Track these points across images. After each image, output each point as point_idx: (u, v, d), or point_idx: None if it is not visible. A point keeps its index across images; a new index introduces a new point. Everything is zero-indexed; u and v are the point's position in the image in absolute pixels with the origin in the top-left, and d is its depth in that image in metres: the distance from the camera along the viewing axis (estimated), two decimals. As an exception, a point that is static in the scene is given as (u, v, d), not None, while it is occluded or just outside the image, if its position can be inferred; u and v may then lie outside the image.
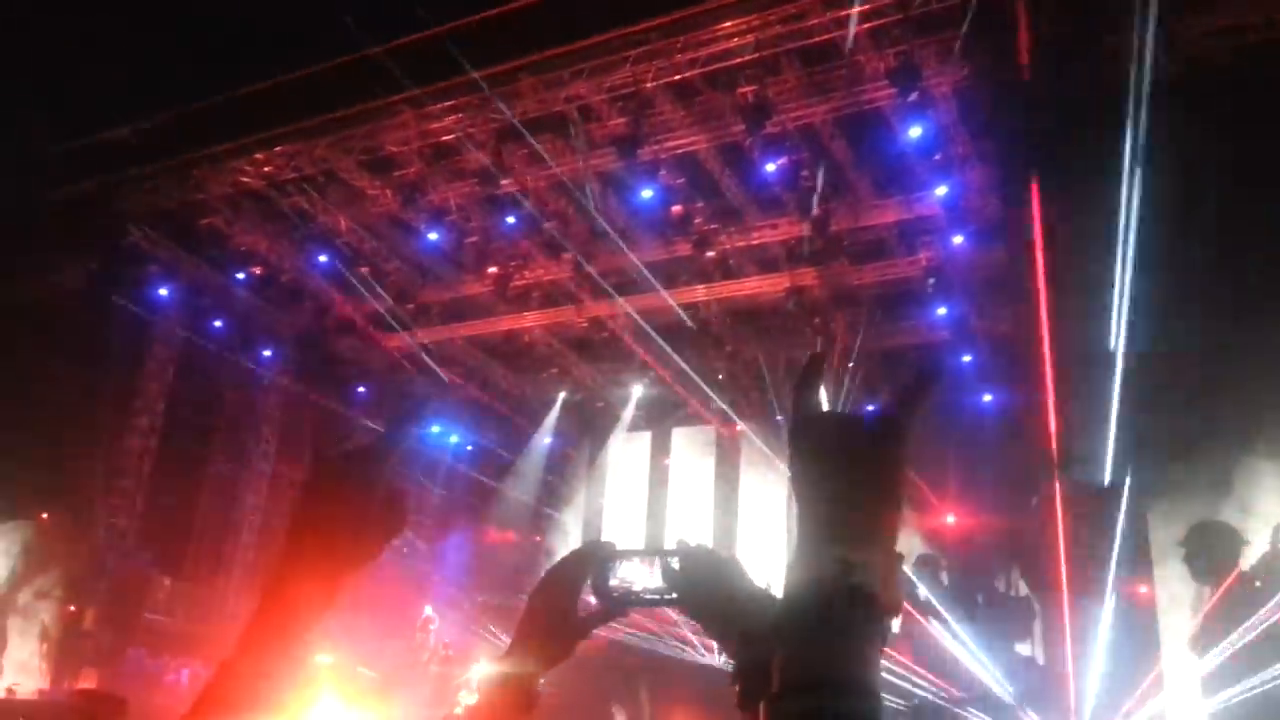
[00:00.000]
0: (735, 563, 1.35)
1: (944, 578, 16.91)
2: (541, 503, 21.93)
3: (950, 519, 17.17)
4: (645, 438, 21.16)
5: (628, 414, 20.29)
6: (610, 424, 20.60)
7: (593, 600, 1.35)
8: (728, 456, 20.63)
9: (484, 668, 16.20)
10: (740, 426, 19.99)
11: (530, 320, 18.13)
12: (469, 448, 22.58)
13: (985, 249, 15.61)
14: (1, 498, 19.17)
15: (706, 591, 1.32)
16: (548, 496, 21.94)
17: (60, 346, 17.68)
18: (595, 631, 1.38)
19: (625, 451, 21.16)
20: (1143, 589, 13.92)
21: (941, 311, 16.57)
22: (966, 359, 16.82)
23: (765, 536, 19.97)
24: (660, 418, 20.65)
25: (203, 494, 19.91)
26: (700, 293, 17.01)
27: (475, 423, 22.07)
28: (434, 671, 16.65)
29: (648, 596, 1.35)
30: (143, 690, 16.02)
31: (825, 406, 0.97)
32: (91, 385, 18.19)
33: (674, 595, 1.29)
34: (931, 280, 15.96)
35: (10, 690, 16.30)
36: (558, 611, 1.35)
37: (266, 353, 19.82)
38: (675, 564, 1.30)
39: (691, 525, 20.52)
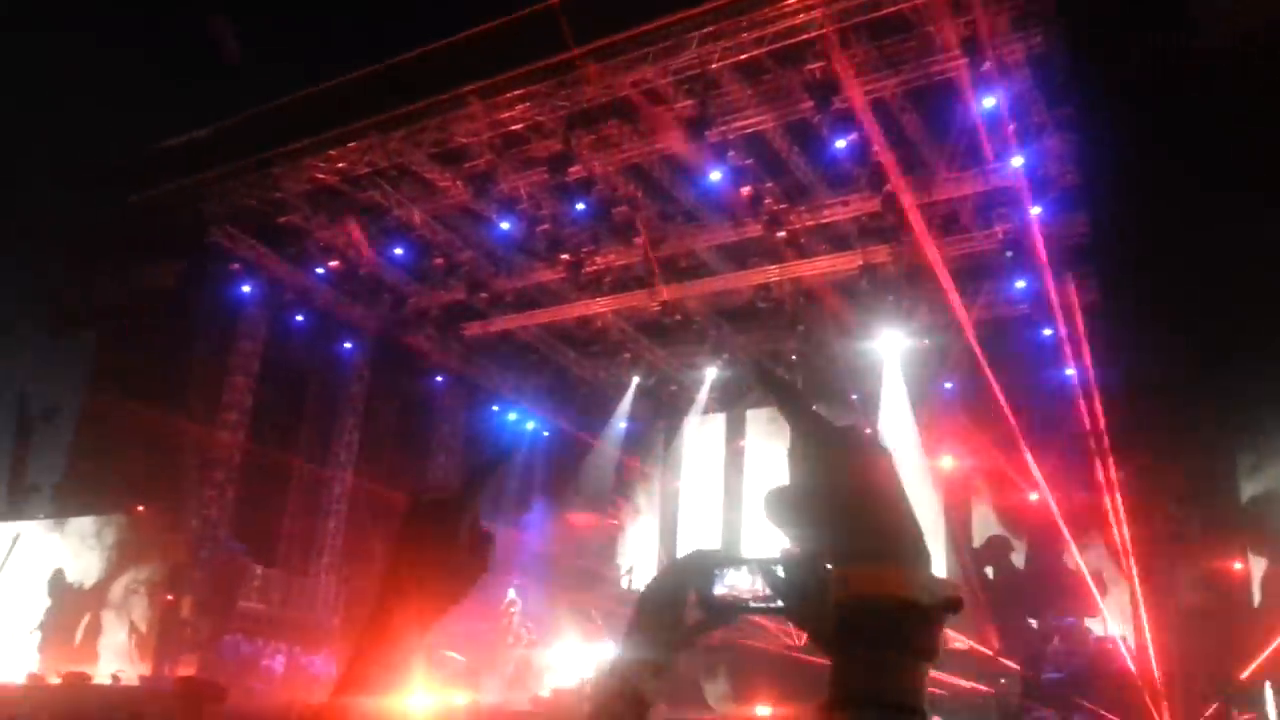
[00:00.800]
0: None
1: (1016, 559, 16.66)
2: (617, 487, 22.06)
3: (1032, 496, 16.84)
4: (720, 420, 21.14)
5: (701, 397, 20.29)
6: (684, 407, 20.63)
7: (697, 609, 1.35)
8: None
9: (567, 650, 16.46)
10: (814, 407, 19.85)
11: (602, 305, 18.21)
12: (545, 433, 22.82)
13: (1065, 218, 15.26)
14: (95, 493, 19.98)
15: (812, 600, 1.33)
16: (623, 481, 22.06)
17: (150, 346, 18.33)
18: None
19: (700, 434, 21.17)
20: (1237, 565, 13.56)
21: (1020, 284, 16.26)
22: (1047, 333, 16.48)
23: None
24: (734, 400, 20.61)
25: (291, 485, 20.46)
26: (772, 273, 16.90)
27: (551, 408, 22.30)
28: (518, 654, 16.91)
29: (754, 605, 1.36)
30: (240, 675, 16.59)
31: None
32: (181, 382, 18.83)
33: (779, 604, 1.28)
34: (1009, 253, 15.65)
35: (115, 677, 17.01)
36: (664, 621, 1.35)
37: (347, 345, 20.28)
38: (780, 572, 1.28)
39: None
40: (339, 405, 20.59)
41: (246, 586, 18.79)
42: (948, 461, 18.15)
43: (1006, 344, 17.07)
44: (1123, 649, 13.64)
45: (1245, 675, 12.17)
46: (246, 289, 18.36)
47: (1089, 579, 15.80)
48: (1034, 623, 16.12)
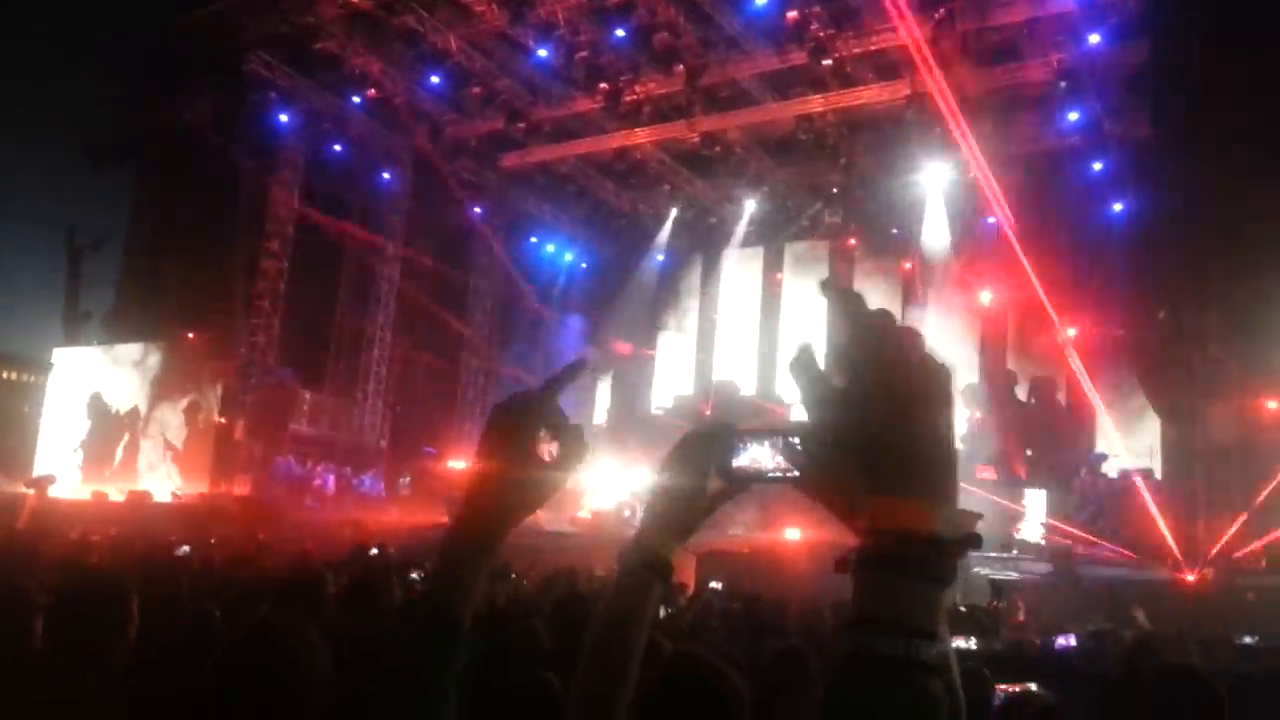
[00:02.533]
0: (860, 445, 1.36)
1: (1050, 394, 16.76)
2: (655, 319, 22.23)
3: (1071, 332, 16.80)
4: (758, 253, 21.05)
5: (740, 230, 20.15)
6: (723, 240, 20.52)
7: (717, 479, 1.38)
8: (840, 271, 20.41)
9: (605, 475, 17.02)
10: (853, 241, 19.69)
11: (641, 136, 17.91)
12: (584, 265, 22.89)
13: (1124, 47, 14.63)
14: (145, 320, 20.50)
15: (828, 472, 1.35)
16: (661, 313, 22.22)
17: (192, 176, 18.40)
18: None
19: (738, 268, 21.13)
20: (1270, 404, 13.61)
21: (1073, 117, 15.76)
22: (1097, 167, 16.08)
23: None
24: (773, 234, 20.45)
25: (336, 312, 20.88)
26: (815, 103, 16.45)
27: (589, 240, 22.29)
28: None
29: (771, 475, 1.37)
30: (293, 494, 17.42)
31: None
32: (223, 212, 18.99)
33: (795, 474, 1.28)
34: (1063, 83, 15.11)
35: (175, 495, 17.92)
36: (686, 492, 1.39)
37: (385, 175, 20.25)
38: (796, 443, 1.27)
39: (804, 335, 20.57)
40: (379, 233, 20.72)
41: (296, 411, 19.45)
42: (986, 296, 18.08)
43: (1055, 179, 16.70)
44: (1142, 485, 13.89)
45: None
46: (284, 118, 18.27)
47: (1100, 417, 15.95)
48: (1063, 456, 16.39)
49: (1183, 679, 3.09)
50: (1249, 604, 10.13)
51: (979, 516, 0.88)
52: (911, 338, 0.91)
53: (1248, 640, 6.11)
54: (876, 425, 0.88)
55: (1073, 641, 6.69)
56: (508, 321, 22.23)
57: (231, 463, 18.34)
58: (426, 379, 20.06)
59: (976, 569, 12.02)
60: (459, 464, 17.55)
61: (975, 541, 0.85)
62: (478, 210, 20.78)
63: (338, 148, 19.03)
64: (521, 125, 18.01)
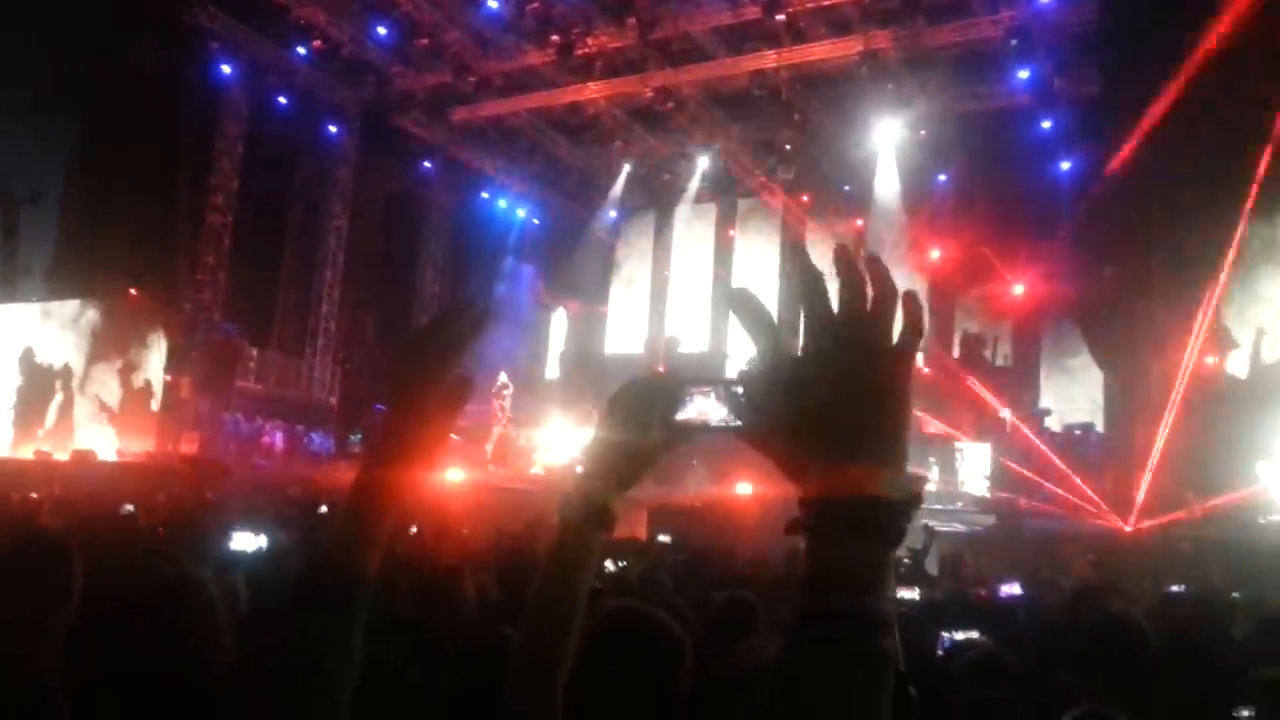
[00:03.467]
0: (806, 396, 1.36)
1: (991, 355, 17.02)
2: (607, 275, 22.18)
3: (1019, 288, 17.05)
4: (711, 210, 21.03)
5: (693, 186, 20.09)
6: (675, 196, 20.47)
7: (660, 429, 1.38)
8: (792, 227, 20.49)
9: (558, 431, 17.05)
10: (806, 197, 19.74)
11: (594, 91, 17.72)
12: (535, 221, 22.71)
13: (1074, 6, 14.72)
14: (86, 276, 19.96)
15: (768, 420, 1.34)
16: (614, 268, 22.17)
17: (133, 128, 17.87)
18: None
19: (691, 224, 21.11)
20: (1209, 359, 13.93)
21: (1023, 74, 15.85)
22: (1046, 125, 16.23)
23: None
24: (726, 190, 20.43)
25: (283, 268, 20.53)
26: (769, 59, 16.38)
27: (541, 196, 22.10)
28: (497, 432, 17.43)
29: (714, 425, 1.35)
30: (241, 452, 17.21)
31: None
32: (166, 166, 18.51)
33: (738, 424, 1.27)
34: (1014, 41, 15.19)
35: (120, 453, 17.60)
36: (628, 443, 1.40)
37: (332, 128, 19.85)
38: (740, 392, 1.26)
39: (756, 291, 20.67)
40: (327, 189, 20.38)
41: (243, 367, 19.15)
42: (936, 253, 18.25)
43: (1004, 136, 16.83)
44: (1085, 437, 14.23)
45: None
46: (227, 69, 17.81)
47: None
48: (1008, 412, 16.69)
49: (1117, 627, 3.19)
50: (1184, 554, 10.43)
51: (925, 479, 0.92)
52: (888, 296, 0.91)
53: (1175, 589, 6.30)
54: (834, 388, 0.90)
55: (1016, 590, 6.85)
56: (459, 278, 22.05)
57: (178, 421, 18.04)
58: (376, 335, 19.83)
59: (923, 521, 12.25)
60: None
61: (918, 500, 0.88)
62: (427, 165, 20.49)
63: (283, 100, 18.57)
64: (471, 79, 17.73)
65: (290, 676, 1.18)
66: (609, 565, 6.54)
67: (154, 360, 18.66)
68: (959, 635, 4.29)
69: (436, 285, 21.64)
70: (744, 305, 0.98)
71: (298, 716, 1.17)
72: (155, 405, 18.09)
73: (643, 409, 1.39)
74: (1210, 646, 3.59)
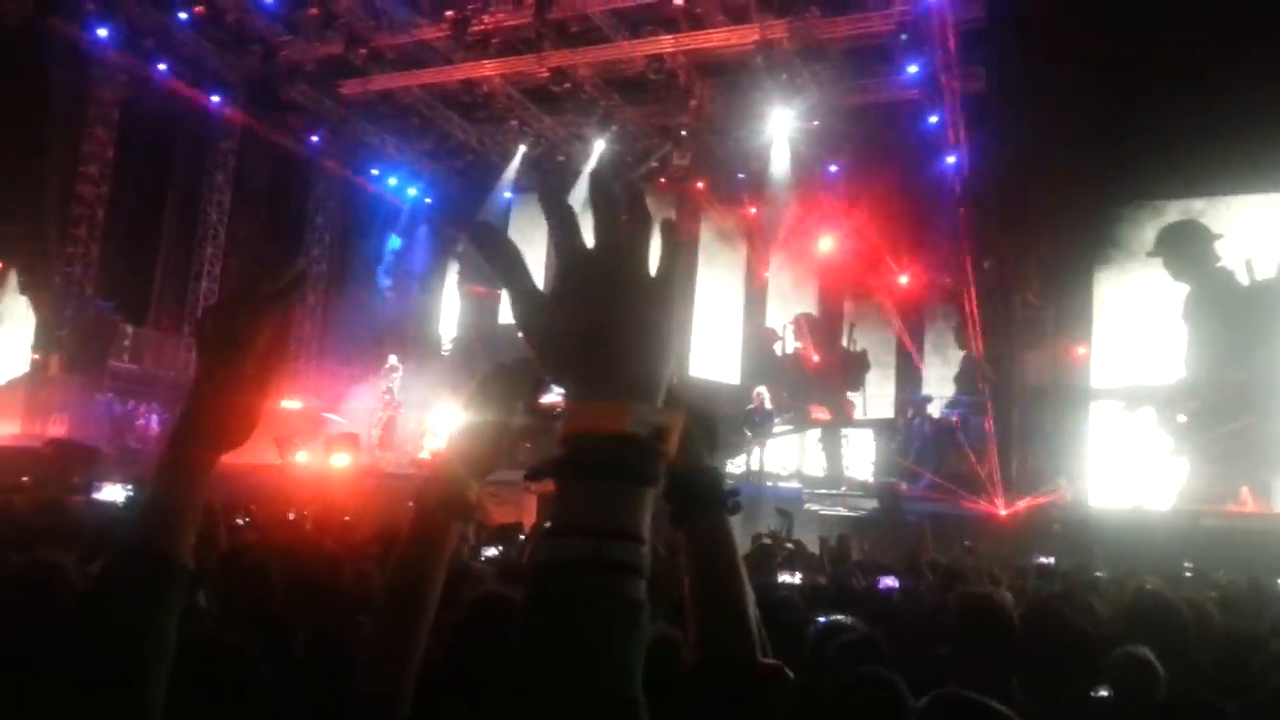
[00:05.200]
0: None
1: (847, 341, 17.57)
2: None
3: (903, 279, 17.51)
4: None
5: (589, 169, 19.95)
6: (572, 179, 20.29)
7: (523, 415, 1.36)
8: (689, 213, 20.57)
9: (448, 415, 16.79)
10: (701, 184, 19.83)
11: (489, 69, 17.43)
12: (428, 200, 22.31)
13: (964, 2, 15.09)
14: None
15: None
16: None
17: (2, 93, 16.87)
18: None
19: (587, 207, 20.97)
20: (1081, 350, 14.52)
21: (912, 69, 16.20)
22: (933, 119, 16.62)
23: (724, 290, 20.29)
24: (623, 173, 20.36)
25: (160, 243, 19.71)
26: (666, 43, 16.37)
27: (434, 175, 21.70)
28: (385, 417, 17.13)
29: None
30: (114, 435, 16.50)
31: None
32: (36, 133, 17.53)
33: None
34: (904, 36, 15.51)
35: (-17, 436, 16.67)
36: (488, 429, 1.37)
37: (215, 98, 19.10)
38: None
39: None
40: (209, 161, 19.63)
41: (116, 346, 18.38)
42: (827, 243, 18.58)
43: (893, 130, 17.19)
44: (964, 425, 14.71)
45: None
46: (103, 33, 16.95)
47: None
48: (893, 399, 17.18)
49: (982, 608, 3.28)
50: (1055, 535, 10.87)
51: (680, 412, 0.84)
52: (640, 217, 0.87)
53: (1042, 560, 6.55)
54: (583, 322, 0.84)
55: (894, 583, 6.97)
56: (346, 255, 21.50)
57: (46, 401, 17.20)
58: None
59: (808, 505, 12.51)
60: (293, 404, 16.99)
61: (665, 435, 0.81)
62: (315, 139, 19.90)
63: (162, 67, 17.78)
64: (362, 51, 17.24)
65: (98, 663, 1.11)
66: (491, 551, 6.48)
67: (21, 337, 17.74)
68: (835, 619, 4.35)
69: (324, 263, 21.06)
70: (486, 241, 0.90)
71: (103, 704, 1.09)
72: (23, 384, 17.21)
73: (506, 395, 1.36)
74: (1072, 625, 3.71)
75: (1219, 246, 14.73)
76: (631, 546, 0.78)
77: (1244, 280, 14.55)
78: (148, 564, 1.14)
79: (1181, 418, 13.58)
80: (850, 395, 17.72)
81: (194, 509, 1.20)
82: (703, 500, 1.37)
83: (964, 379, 16.21)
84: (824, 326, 19.08)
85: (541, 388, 1.33)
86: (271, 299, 1.24)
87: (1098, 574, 6.71)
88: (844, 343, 17.84)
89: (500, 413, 1.37)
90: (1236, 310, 14.20)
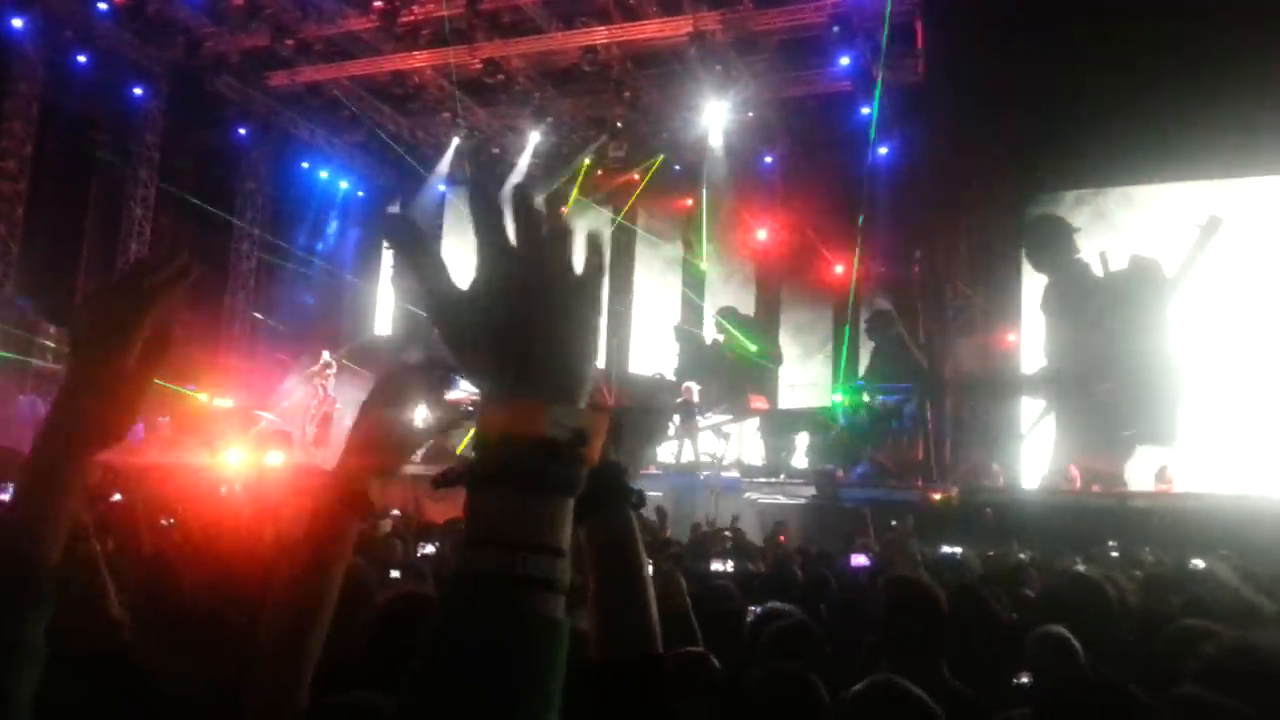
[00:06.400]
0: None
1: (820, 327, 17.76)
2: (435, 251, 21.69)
3: (839, 269, 17.69)
4: (542, 185, 20.80)
5: (524, 161, 19.82)
6: (506, 172, 20.15)
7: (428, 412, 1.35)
8: (623, 204, 20.59)
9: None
10: (637, 176, 19.85)
11: (420, 60, 17.23)
12: (360, 194, 21.99)
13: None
14: None
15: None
16: (441, 244, 21.72)
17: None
18: None
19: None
20: (1010, 337, 14.80)
21: (844, 61, 16.34)
22: (866, 111, 16.79)
23: (661, 281, 20.33)
24: (557, 166, 20.28)
25: (83, 240, 19.15)
26: (600, 34, 16.32)
27: (366, 168, 21.38)
28: (316, 413, 16.88)
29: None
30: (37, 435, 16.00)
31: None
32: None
33: None
34: (836, 27, 15.64)
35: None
36: (391, 425, 1.34)
37: (138, 91, 18.61)
38: None
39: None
40: (132, 155, 19.11)
41: (40, 346, 17.84)
42: (763, 233, 18.70)
43: (827, 121, 17.34)
44: (899, 412, 14.94)
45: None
46: (18, 23, 16.41)
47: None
48: (830, 388, 17.35)
49: (909, 592, 3.32)
50: (986, 519, 11.07)
51: (603, 414, 0.81)
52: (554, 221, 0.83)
53: (945, 550, 6.65)
54: (500, 320, 0.80)
55: (865, 562, 6.96)
56: (278, 251, 21.09)
57: (-35, 403, 16.65)
58: (188, 312, 18.79)
59: (748, 494, 12.59)
60: (224, 402, 16.66)
61: (584, 439, 0.76)
62: (242, 132, 19.48)
63: (82, 59, 17.28)
64: (289, 43, 16.90)
65: None
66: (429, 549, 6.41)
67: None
68: (771, 606, 4.38)
69: (252, 261, 20.64)
70: (396, 233, 0.84)
71: None
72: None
73: (409, 390, 1.34)
74: (994, 611, 3.78)
75: (1077, 240, 15.40)
76: (549, 560, 0.73)
77: (1099, 272, 15.23)
78: (14, 569, 1.08)
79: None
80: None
81: (59, 511, 1.13)
82: (606, 496, 1.36)
83: (898, 367, 16.42)
84: (761, 315, 19.22)
85: (449, 383, 1.30)
86: (151, 291, 1.18)
87: (1021, 556, 6.86)
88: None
89: (403, 408, 1.34)
90: (1091, 300, 14.80)
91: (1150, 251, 15.13)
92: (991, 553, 6.58)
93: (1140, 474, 13.38)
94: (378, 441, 1.36)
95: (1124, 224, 15.42)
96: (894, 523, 9.21)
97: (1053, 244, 15.31)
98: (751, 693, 2.60)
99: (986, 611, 3.80)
